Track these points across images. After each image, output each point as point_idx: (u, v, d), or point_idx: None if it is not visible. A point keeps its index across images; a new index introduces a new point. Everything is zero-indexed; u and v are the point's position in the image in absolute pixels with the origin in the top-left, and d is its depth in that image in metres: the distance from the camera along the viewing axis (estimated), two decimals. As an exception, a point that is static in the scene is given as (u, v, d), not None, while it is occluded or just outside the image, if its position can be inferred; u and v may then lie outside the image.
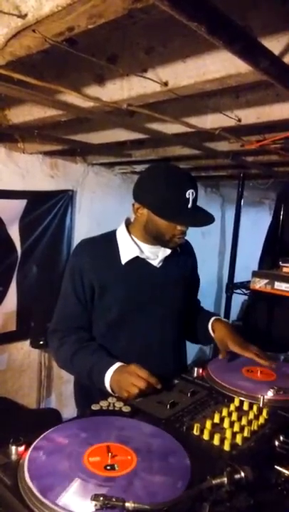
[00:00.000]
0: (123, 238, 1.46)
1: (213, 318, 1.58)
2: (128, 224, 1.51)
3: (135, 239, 1.47)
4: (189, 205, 1.33)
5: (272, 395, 1.22)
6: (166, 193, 1.32)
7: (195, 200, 1.35)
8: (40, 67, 1.31)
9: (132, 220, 1.51)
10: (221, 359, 1.46)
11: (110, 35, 1.17)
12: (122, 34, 1.17)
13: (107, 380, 1.26)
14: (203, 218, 1.37)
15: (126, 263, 1.43)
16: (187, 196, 1.32)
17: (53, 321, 1.52)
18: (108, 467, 0.84)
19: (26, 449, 0.91)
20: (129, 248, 1.44)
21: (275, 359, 1.50)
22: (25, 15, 0.81)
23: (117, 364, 1.28)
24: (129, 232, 1.47)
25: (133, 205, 1.42)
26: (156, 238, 1.43)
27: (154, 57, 1.16)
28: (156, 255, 1.48)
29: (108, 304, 1.44)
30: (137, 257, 1.44)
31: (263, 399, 1.19)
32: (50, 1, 0.75)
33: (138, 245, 1.46)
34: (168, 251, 1.48)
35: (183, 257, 1.58)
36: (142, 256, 1.45)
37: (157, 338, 1.49)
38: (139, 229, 1.45)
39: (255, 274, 2.65)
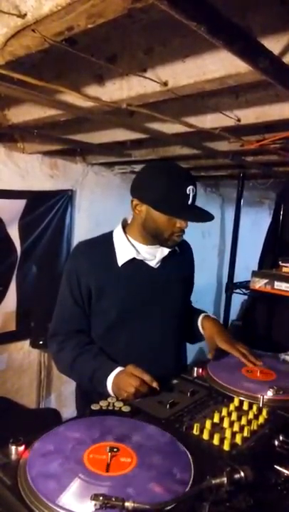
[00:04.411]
0: (119, 240, 1.45)
1: (202, 316, 1.58)
2: (124, 225, 1.50)
3: (132, 240, 1.46)
4: (189, 202, 1.34)
5: (271, 394, 1.22)
6: (167, 188, 1.32)
7: (194, 197, 1.35)
8: (39, 67, 1.31)
9: (128, 220, 1.50)
10: (220, 359, 1.46)
11: (110, 35, 1.17)
12: (122, 34, 1.17)
13: (109, 386, 1.26)
14: (203, 215, 1.37)
15: (123, 265, 1.42)
16: (188, 192, 1.32)
17: (51, 324, 1.51)
18: (114, 451, 0.84)
19: (26, 449, 0.91)
20: (125, 250, 1.43)
21: (275, 359, 1.50)
22: (25, 14, 0.81)
23: (117, 369, 1.28)
24: (126, 233, 1.46)
25: (132, 201, 1.41)
26: (154, 236, 1.42)
27: (153, 57, 1.16)
28: (153, 256, 1.47)
29: (106, 307, 1.43)
30: (134, 258, 1.43)
31: (263, 399, 1.19)
32: (50, 0, 0.75)
33: (134, 246, 1.45)
34: (166, 251, 1.47)
35: (181, 256, 1.57)
36: (139, 257, 1.44)
37: (157, 339, 1.48)
38: (137, 228, 1.44)
39: (255, 274, 2.64)
